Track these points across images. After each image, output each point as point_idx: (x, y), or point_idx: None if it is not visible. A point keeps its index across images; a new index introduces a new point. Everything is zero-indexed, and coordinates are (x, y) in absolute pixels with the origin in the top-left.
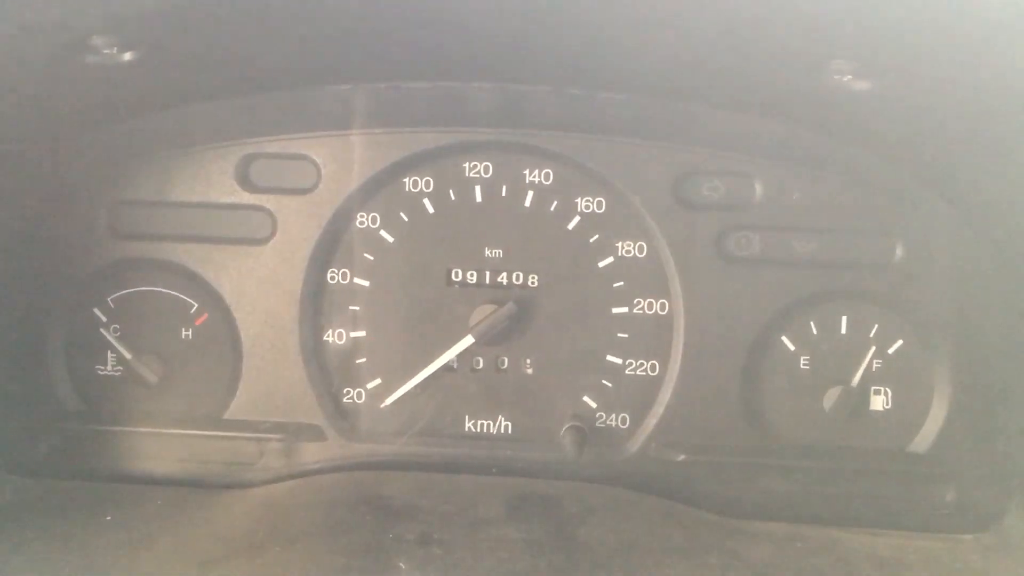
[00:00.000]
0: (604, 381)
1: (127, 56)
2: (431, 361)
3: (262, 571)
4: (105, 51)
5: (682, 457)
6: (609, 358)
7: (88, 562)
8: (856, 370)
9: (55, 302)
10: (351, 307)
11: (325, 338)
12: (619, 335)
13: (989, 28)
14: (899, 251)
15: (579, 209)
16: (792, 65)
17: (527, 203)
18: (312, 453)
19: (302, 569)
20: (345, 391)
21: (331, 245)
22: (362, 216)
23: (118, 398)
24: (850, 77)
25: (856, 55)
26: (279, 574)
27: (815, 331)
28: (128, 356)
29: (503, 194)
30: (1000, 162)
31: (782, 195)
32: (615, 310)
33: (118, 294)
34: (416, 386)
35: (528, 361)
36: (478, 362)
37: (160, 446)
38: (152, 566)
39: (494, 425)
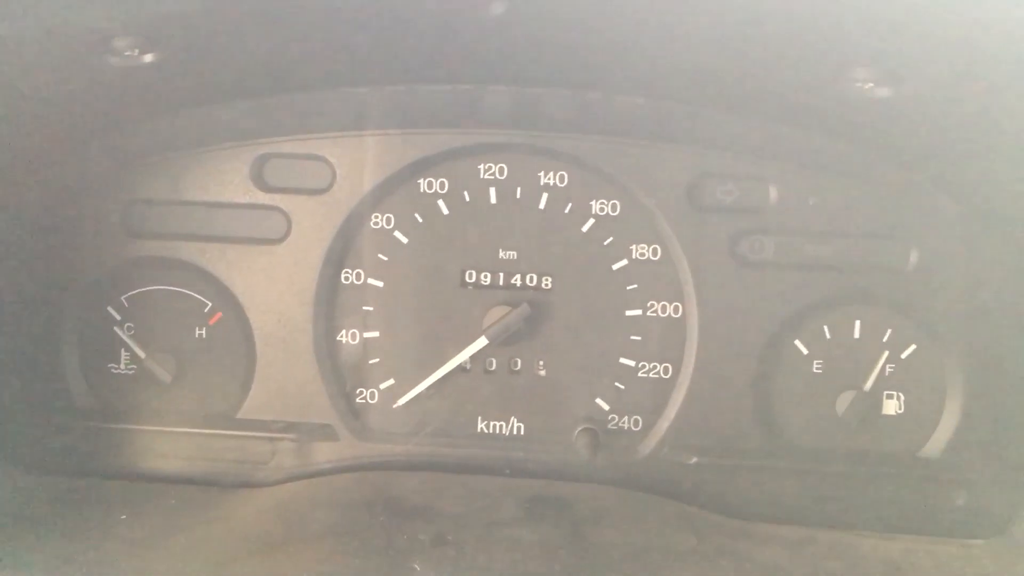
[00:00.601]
0: (617, 383)
1: (148, 58)
2: (444, 362)
3: (275, 571)
4: (127, 53)
5: (694, 460)
6: (622, 360)
7: (103, 560)
8: (869, 374)
9: (69, 301)
10: (364, 307)
11: (338, 338)
12: (632, 338)
13: (1011, 36)
14: (913, 256)
15: (594, 211)
16: (812, 72)
17: (542, 205)
18: (325, 453)
19: (316, 569)
20: (358, 391)
21: (345, 245)
22: (376, 217)
23: (131, 397)
24: (871, 85)
25: (878, 63)
26: (293, 574)
27: (828, 335)
28: (142, 355)
29: (518, 196)
30: (1016, 169)
31: (797, 199)
32: (629, 313)
33: (132, 293)
34: (429, 387)
35: (541, 363)
36: (491, 363)
37: (173, 445)
38: (166, 565)
39: (507, 426)
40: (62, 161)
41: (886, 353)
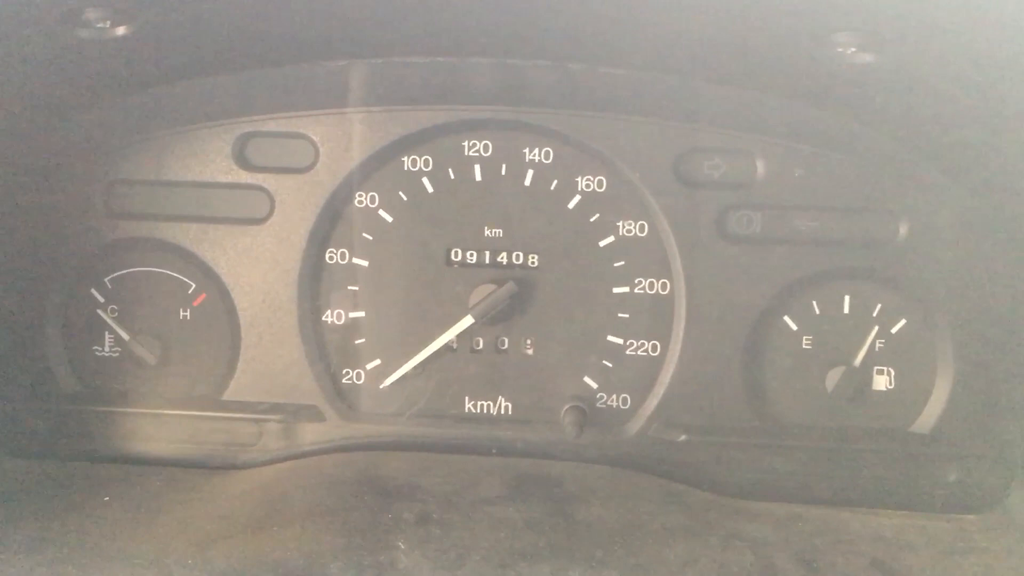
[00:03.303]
0: (605, 361)
1: (120, 30)
2: (431, 341)
3: (261, 551)
4: (98, 25)
5: (683, 437)
6: (610, 338)
7: (87, 541)
8: (859, 350)
9: (52, 283)
10: (350, 287)
11: (324, 318)
12: (620, 315)
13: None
14: (903, 230)
15: (579, 188)
16: (796, 38)
17: (527, 182)
18: (311, 434)
19: (301, 549)
20: (344, 372)
21: (329, 224)
22: (360, 195)
23: (116, 379)
24: (854, 50)
25: (861, 27)
26: (278, 554)
27: (817, 311)
28: (126, 337)
29: (503, 173)
30: (1005, 139)
31: (784, 173)
32: (616, 290)
33: (115, 274)
34: (416, 367)
35: (528, 341)
36: (478, 342)
37: (159, 427)
38: (151, 546)
39: (494, 406)
40: (40, 142)
41: (876, 328)
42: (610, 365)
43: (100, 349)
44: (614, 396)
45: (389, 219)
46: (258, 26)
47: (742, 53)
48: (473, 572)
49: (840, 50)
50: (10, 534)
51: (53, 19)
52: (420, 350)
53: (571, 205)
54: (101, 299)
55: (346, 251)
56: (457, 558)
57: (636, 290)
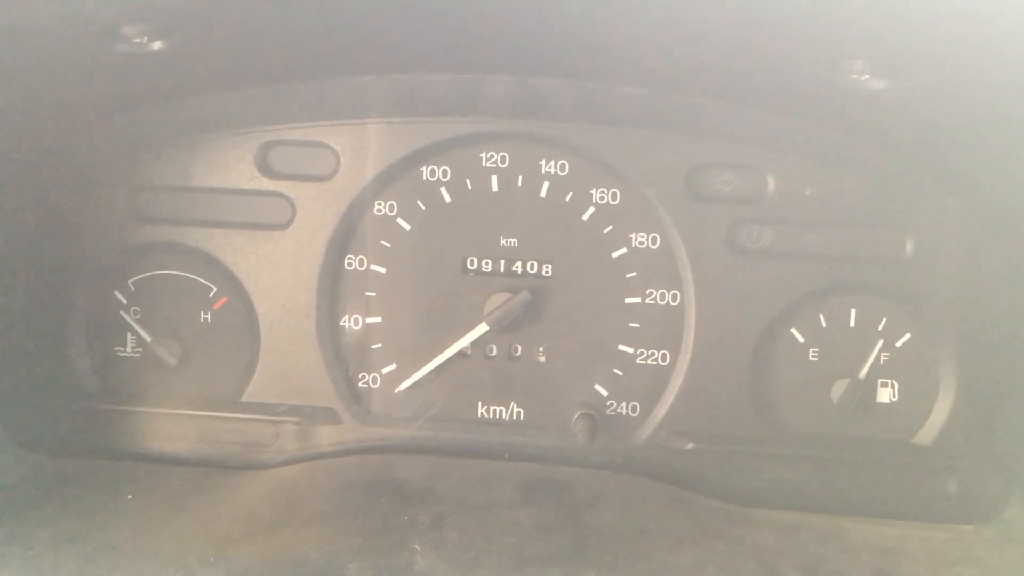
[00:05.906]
0: (615, 370)
1: (157, 45)
2: (445, 348)
3: (278, 551)
4: (135, 40)
5: (691, 445)
6: (621, 347)
7: (109, 539)
8: (864, 363)
9: (76, 285)
10: (367, 293)
11: (341, 323)
12: (631, 325)
13: (1004, 28)
14: (909, 246)
15: (594, 200)
16: (808, 64)
17: (543, 193)
18: (327, 436)
19: (318, 549)
20: (360, 375)
21: (348, 232)
22: (379, 204)
23: (137, 379)
24: (867, 77)
25: (873, 55)
26: (295, 554)
27: (824, 324)
28: (148, 338)
29: (519, 184)
30: (1010, 159)
31: (794, 189)
32: (627, 300)
33: (138, 277)
34: (430, 372)
35: (541, 349)
36: (492, 349)
37: (178, 427)
38: (171, 544)
39: (507, 411)
40: (69, 147)
41: (881, 341)
42: (620, 373)
43: (122, 350)
44: (624, 404)
45: (407, 227)
46: (286, 43)
47: (755, 76)
48: (487, 574)
49: (853, 76)
50: (36, 532)
51: (92, 34)
52: (435, 356)
53: (585, 217)
54: (124, 301)
55: (364, 258)
56: (472, 560)
57: (647, 300)
